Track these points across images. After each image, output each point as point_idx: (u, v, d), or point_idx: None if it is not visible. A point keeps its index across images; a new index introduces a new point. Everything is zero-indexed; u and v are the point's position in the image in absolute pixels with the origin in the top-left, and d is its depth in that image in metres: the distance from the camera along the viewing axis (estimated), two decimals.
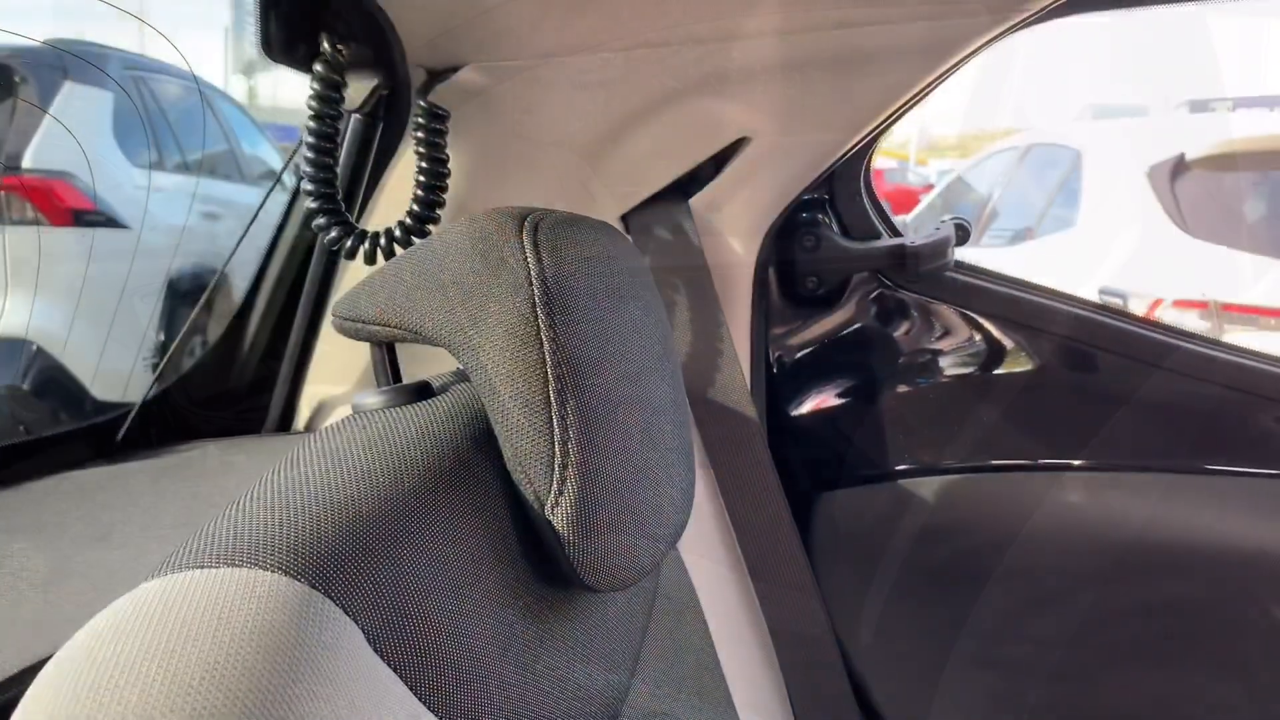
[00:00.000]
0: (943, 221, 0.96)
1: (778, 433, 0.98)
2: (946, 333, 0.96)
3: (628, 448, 0.53)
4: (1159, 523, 0.93)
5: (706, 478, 0.92)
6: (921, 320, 0.96)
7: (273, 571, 0.40)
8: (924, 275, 0.94)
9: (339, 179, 0.77)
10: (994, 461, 0.95)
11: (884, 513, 0.98)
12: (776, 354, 0.99)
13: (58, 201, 3.54)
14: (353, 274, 0.95)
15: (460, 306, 0.53)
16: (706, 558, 0.91)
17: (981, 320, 0.95)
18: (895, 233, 0.95)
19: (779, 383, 0.99)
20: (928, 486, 0.97)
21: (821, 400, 0.99)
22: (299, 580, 0.40)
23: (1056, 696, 0.97)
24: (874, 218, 0.95)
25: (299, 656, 0.38)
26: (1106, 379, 0.94)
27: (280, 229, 0.95)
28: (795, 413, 1.00)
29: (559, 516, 0.51)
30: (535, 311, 0.51)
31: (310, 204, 0.73)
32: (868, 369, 0.98)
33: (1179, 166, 3.28)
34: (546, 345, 0.50)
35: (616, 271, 0.56)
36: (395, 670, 0.43)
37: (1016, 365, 0.95)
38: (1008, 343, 0.95)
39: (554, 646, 0.56)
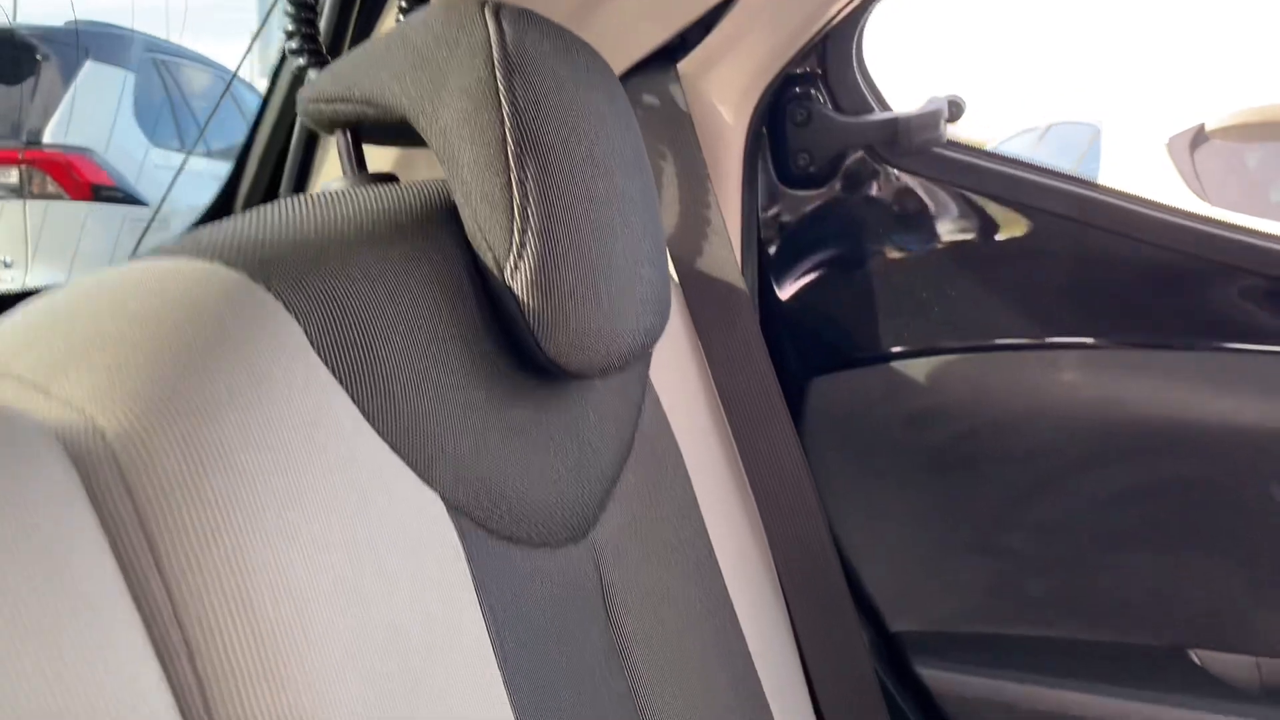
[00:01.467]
0: (934, 98, 0.95)
1: (768, 315, 0.97)
2: (940, 212, 0.95)
3: (591, 221, 0.53)
4: (1158, 401, 0.91)
5: (695, 353, 0.91)
6: (915, 199, 0.95)
7: (208, 260, 0.40)
8: (917, 150, 0.93)
9: (321, 35, 0.77)
10: (990, 342, 0.94)
11: (877, 396, 0.97)
12: (767, 234, 0.98)
13: (77, 176, 3.57)
14: (333, 161, 0.95)
15: (422, 75, 0.52)
16: (694, 434, 0.89)
17: (975, 198, 0.94)
18: (887, 108, 0.94)
19: (769, 263, 0.98)
20: (922, 368, 0.95)
21: (814, 282, 0.98)
22: (235, 270, 0.40)
23: (1054, 585, 0.96)
24: (865, 92, 0.94)
25: (227, 334, 0.37)
26: (1104, 257, 0.92)
27: (265, 102, 0.96)
28: (786, 294, 0.98)
29: (518, 280, 0.50)
30: (494, 74, 0.50)
31: (288, 27, 0.73)
32: (861, 250, 0.96)
33: (1199, 136, 3.24)
34: (505, 107, 0.50)
35: (579, 53, 0.56)
36: (339, 381, 0.42)
37: (1011, 244, 0.94)
38: (1002, 221, 0.94)
39: (521, 438, 0.55)
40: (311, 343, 0.41)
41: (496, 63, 0.50)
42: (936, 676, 0.96)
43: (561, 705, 0.54)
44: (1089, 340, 0.92)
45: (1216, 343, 0.90)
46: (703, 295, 0.89)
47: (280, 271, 0.41)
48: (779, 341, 0.96)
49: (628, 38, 0.86)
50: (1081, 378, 0.92)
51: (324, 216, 0.49)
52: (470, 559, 0.49)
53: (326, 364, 0.42)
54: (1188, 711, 0.90)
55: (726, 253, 0.90)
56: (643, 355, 0.61)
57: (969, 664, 0.96)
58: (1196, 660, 0.94)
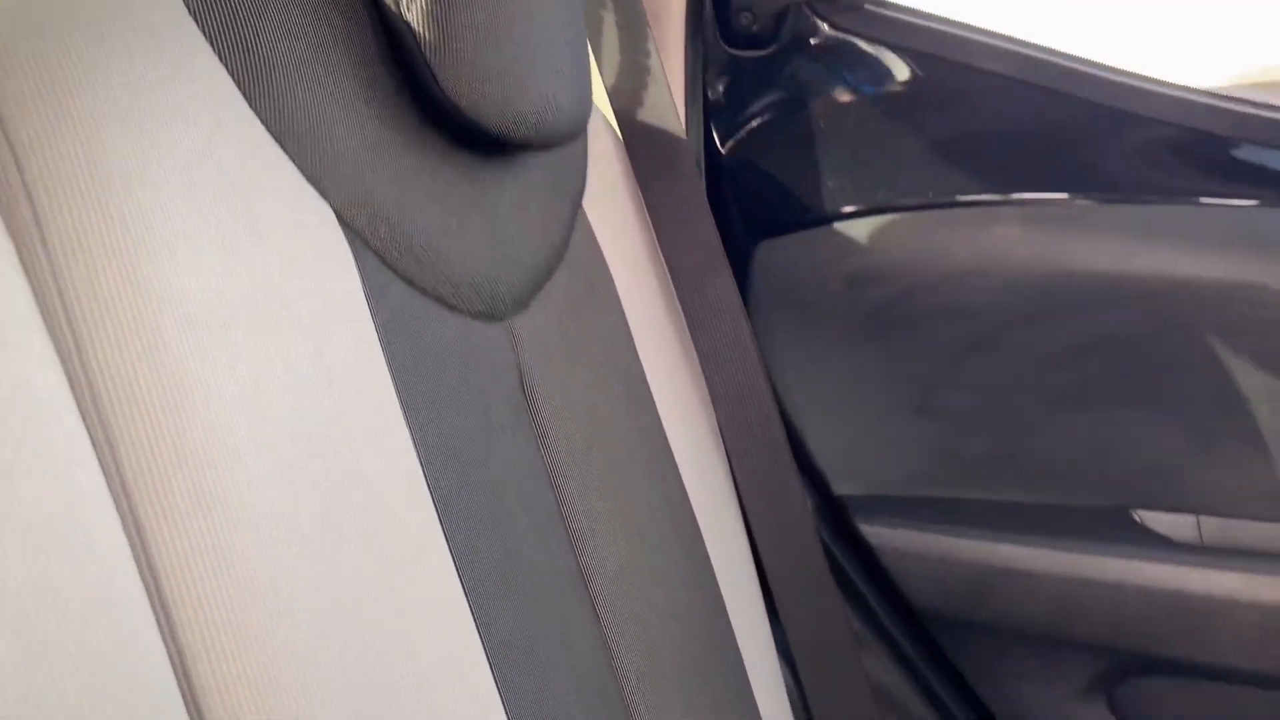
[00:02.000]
0: None
1: (714, 178, 0.97)
2: (882, 70, 0.95)
3: None
4: (1096, 255, 0.92)
5: (636, 204, 0.90)
6: (857, 59, 0.95)
7: None
8: (861, 7, 0.93)
9: None
10: (933, 200, 0.94)
11: (823, 259, 0.97)
12: (712, 95, 0.98)
13: None
14: None
15: None
16: (634, 285, 0.88)
17: (916, 56, 0.94)
18: None
19: (714, 125, 0.98)
20: (865, 229, 0.96)
21: (759, 144, 0.98)
22: None
23: (996, 447, 0.96)
24: None
25: None
26: (1044, 114, 0.92)
27: None
28: (731, 157, 0.99)
29: (414, 12, 0.50)
30: None
31: None
32: (805, 111, 0.97)
33: None
34: None
35: None
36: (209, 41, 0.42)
37: (951, 101, 0.94)
38: (944, 79, 0.94)
39: (426, 187, 0.55)
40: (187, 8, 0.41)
41: None
42: (878, 533, 0.96)
43: (472, 461, 0.54)
44: (1030, 196, 0.92)
45: (1154, 197, 0.91)
46: (644, 146, 0.89)
47: None
48: (725, 205, 0.96)
49: None
50: (1021, 233, 0.92)
51: None
52: (367, 287, 0.49)
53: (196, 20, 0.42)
54: (1127, 562, 0.91)
55: (668, 106, 0.90)
56: (561, 137, 0.61)
57: (911, 524, 0.97)
58: (1138, 520, 0.94)
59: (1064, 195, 0.92)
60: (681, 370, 0.89)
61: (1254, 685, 0.90)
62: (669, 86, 0.89)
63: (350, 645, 0.43)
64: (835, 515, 0.99)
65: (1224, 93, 0.94)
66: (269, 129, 0.45)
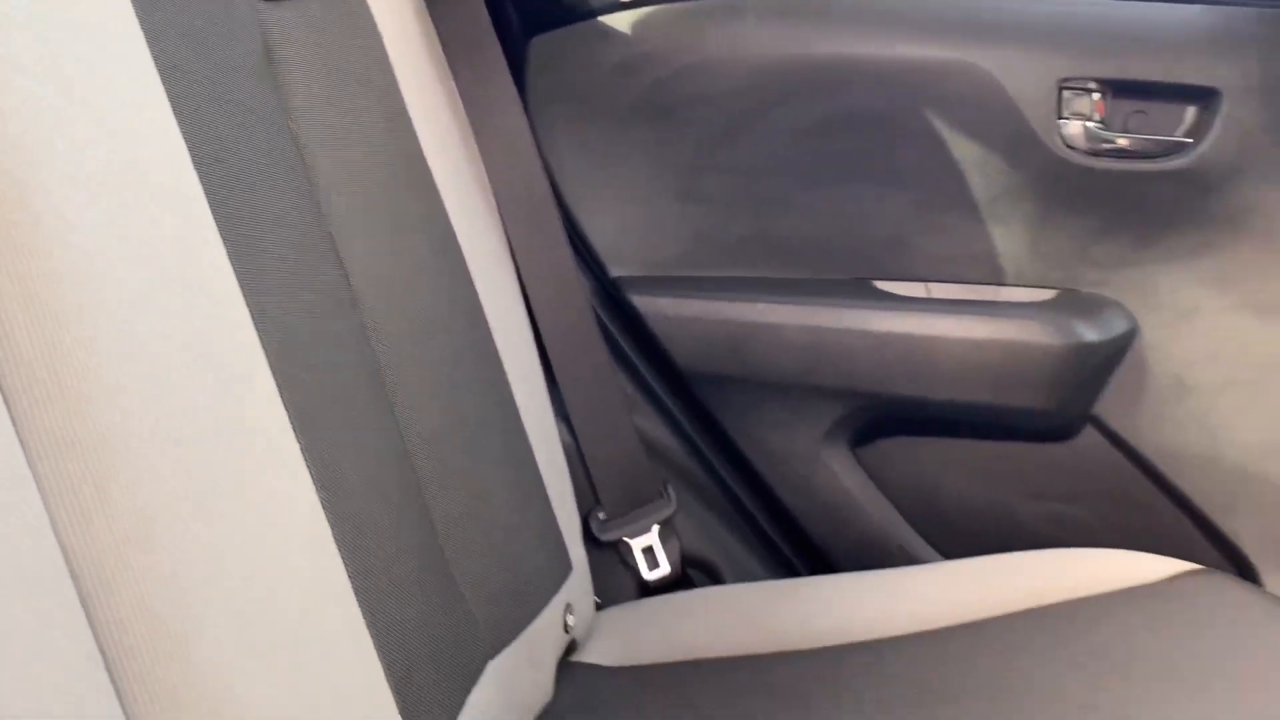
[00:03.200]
0: None
1: None
2: None
3: None
4: (831, 38, 1.02)
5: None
6: None
7: None
8: None
9: None
10: None
11: (593, 50, 1.05)
12: None
13: None
14: None
15: None
16: (414, 72, 0.93)
17: None
18: None
19: None
20: (627, 20, 1.04)
21: None
22: None
23: (753, 226, 1.06)
24: None
25: None
26: None
27: None
28: None
29: None
30: None
31: None
32: None
33: None
34: None
35: None
36: None
37: None
38: None
39: None
40: None
41: None
42: (646, 303, 1.05)
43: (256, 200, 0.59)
44: None
45: None
46: None
47: None
48: (499, 4, 1.02)
49: None
50: (766, 22, 1.02)
51: None
52: None
53: None
54: (864, 314, 1.02)
55: None
56: None
57: (678, 294, 1.06)
58: (877, 287, 1.06)
59: None
60: (463, 160, 0.95)
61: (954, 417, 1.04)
62: None
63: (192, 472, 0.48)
64: (610, 294, 1.08)
65: None
66: None
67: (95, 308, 0.44)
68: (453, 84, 0.99)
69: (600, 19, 1.04)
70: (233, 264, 0.54)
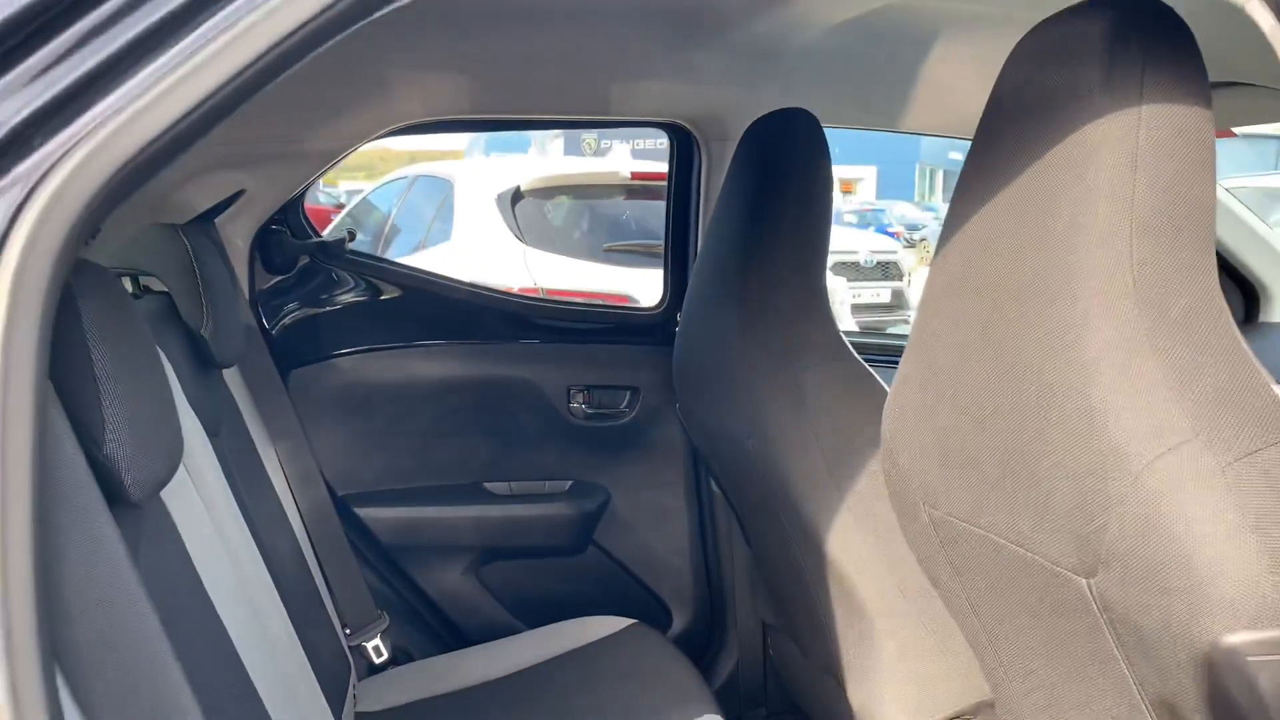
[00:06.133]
0: (344, 231, 1.93)
1: (266, 339, 1.85)
2: (351, 281, 1.93)
3: None
4: (454, 367, 1.99)
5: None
6: (340, 277, 1.92)
7: None
8: (334, 255, 1.91)
9: None
10: (387, 345, 1.94)
11: (337, 379, 1.92)
12: (263, 299, 1.87)
13: None
14: None
15: None
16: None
17: (366, 275, 1.94)
18: (318, 235, 1.90)
19: (267, 314, 1.87)
20: (354, 360, 1.93)
21: (291, 321, 1.90)
22: None
23: (421, 460, 1.99)
24: (307, 227, 1.88)
25: None
26: (425, 299, 1.98)
27: None
28: (274, 329, 1.89)
29: None
30: None
31: None
32: (312, 299, 1.91)
33: (516, 194, 4.61)
34: None
35: None
36: None
37: (385, 296, 1.96)
38: (380, 285, 1.95)
39: None
40: None
41: None
42: (366, 512, 1.93)
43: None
44: (431, 342, 1.96)
45: (476, 340, 2.00)
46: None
47: None
48: (277, 356, 1.85)
49: (187, 204, 1.68)
50: (424, 360, 1.96)
51: None
52: None
53: None
54: (483, 506, 2.00)
55: (246, 310, 1.77)
56: None
57: (383, 502, 1.95)
58: (485, 487, 2.04)
59: (442, 341, 1.98)
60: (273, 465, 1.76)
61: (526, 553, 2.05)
62: (244, 297, 1.77)
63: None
64: (342, 504, 1.94)
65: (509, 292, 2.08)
66: None
67: None
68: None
69: (332, 360, 1.92)
70: None
